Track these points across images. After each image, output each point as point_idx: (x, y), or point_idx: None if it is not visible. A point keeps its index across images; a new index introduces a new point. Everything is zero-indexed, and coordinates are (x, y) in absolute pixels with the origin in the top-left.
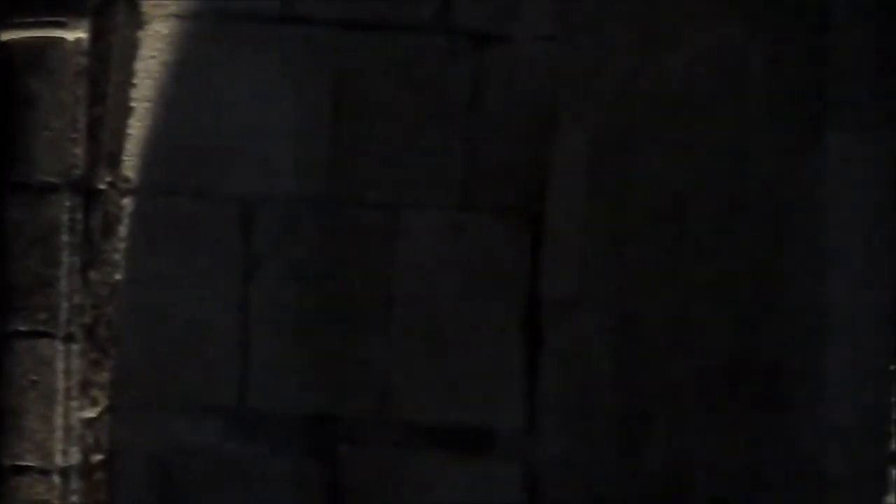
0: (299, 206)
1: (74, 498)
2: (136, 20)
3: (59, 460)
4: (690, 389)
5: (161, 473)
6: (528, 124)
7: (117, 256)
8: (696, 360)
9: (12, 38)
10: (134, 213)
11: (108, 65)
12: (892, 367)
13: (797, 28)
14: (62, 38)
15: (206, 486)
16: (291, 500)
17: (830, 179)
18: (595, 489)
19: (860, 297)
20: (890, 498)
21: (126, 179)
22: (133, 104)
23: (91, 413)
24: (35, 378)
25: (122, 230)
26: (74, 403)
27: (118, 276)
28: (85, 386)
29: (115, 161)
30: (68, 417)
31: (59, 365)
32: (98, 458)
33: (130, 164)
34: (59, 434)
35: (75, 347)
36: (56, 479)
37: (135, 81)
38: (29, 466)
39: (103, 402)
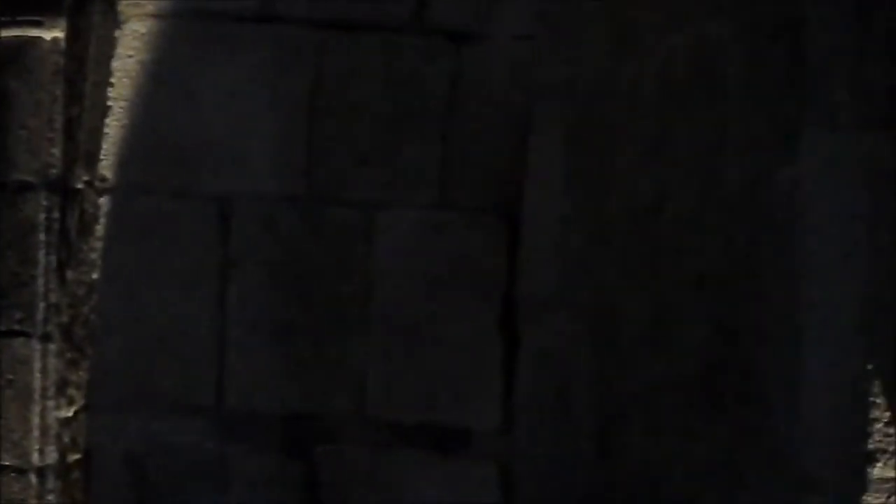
0: (277, 205)
1: (51, 497)
2: (113, 19)
3: (35, 459)
4: (667, 389)
5: (138, 473)
6: (506, 124)
7: (94, 256)
8: (674, 360)
9: None
10: (111, 213)
11: (85, 64)
12: (868, 368)
13: (775, 28)
14: (39, 38)
15: (184, 486)
16: (269, 498)
17: (808, 180)
18: (572, 489)
19: (837, 297)
20: (868, 497)
21: (103, 179)
22: (110, 103)
23: (68, 412)
24: (11, 377)
25: (99, 229)
26: (51, 403)
27: (95, 276)
28: (62, 385)
29: (92, 160)
30: (45, 417)
31: (36, 364)
32: (75, 457)
33: (107, 164)
34: (35, 433)
35: (52, 347)
36: (33, 478)
37: (112, 81)
38: (5, 465)
39: (80, 401)
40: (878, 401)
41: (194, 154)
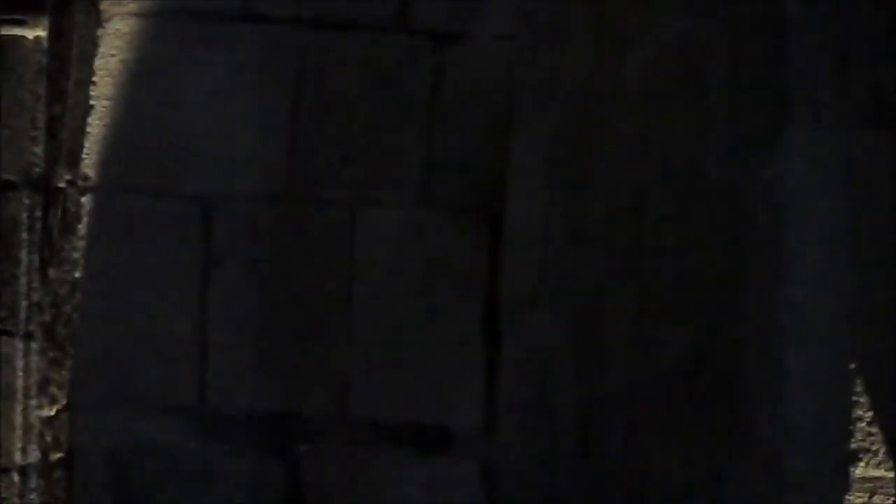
0: (259, 204)
1: (33, 496)
2: (96, 18)
3: (18, 458)
4: (649, 389)
5: (120, 472)
6: (488, 123)
7: (76, 255)
8: (656, 359)
9: None
10: (93, 212)
11: (67, 63)
12: (851, 367)
13: (757, 26)
14: (22, 37)
15: (166, 485)
16: (251, 498)
17: (790, 179)
18: (554, 488)
19: (820, 296)
20: (850, 497)
21: (85, 178)
22: (92, 102)
23: (50, 411)
24: None
25: (82, 228)
26: (33, 402)
27: (77, 275)
28: (44, 384)
29: (74, 159)
30: (27, 416)
31: (18, 363)
32: (57, 456)
33: (90, 163)
34: (17, 432)
35: (34, 345)
36: (15, 477)
37: (94, 80)
38: None
39: (62, 400)
40: (861, 400)
41: (177, 153)
